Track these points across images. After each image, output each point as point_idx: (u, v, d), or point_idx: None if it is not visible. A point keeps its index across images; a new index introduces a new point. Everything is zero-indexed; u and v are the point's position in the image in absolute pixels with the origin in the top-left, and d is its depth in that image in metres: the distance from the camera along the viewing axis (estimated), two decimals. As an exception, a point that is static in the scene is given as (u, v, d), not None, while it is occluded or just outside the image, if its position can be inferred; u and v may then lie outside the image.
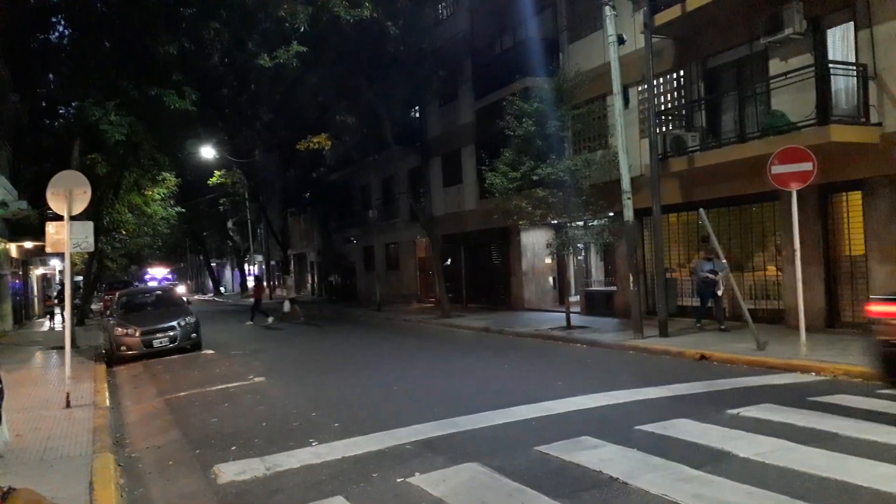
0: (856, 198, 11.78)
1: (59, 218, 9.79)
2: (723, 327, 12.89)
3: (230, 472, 6.00)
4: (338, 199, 35.62)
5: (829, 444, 5.65)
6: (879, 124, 11.11)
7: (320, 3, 16.32)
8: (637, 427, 6.50)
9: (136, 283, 46.33)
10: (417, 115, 26.68)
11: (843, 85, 11.70)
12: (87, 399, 9.68)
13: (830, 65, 11.57)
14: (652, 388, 8.39)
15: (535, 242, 20.86)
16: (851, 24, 11.52)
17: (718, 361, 10.29)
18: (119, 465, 6.51)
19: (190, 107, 15.23)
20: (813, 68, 11.56)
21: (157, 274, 61.56)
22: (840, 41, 11.83)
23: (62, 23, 17.26)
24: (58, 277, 37.92)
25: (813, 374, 8.88)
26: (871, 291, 11.40)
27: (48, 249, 10.58)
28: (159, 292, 19.70)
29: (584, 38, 17.50)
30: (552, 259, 20.87)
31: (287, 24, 16.19)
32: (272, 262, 47.69)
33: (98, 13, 15.96)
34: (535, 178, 14.76)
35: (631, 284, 13.48)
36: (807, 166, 9.69)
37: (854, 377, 8.45)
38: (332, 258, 38.04)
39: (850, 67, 11.38)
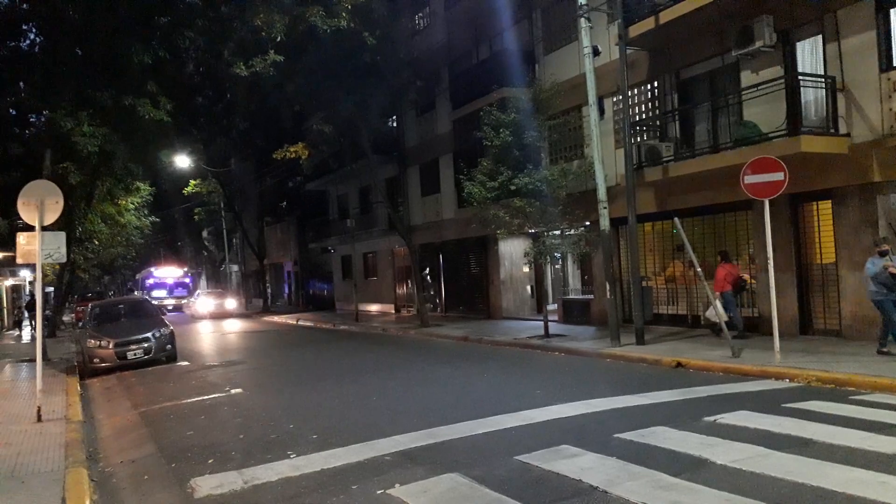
0: (826, 207, 12.01)
1: (30, 228, 9.63)
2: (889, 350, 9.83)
3: (207, 486, 5.92)
4: (315, 209, 35.44)
5: (803, 450, 5.74)
6: (848, 135, 11.36)
7: (297, 13, 16.30)
8: (616, 435, 6.53)
9: (135, 290, 41.83)
10: (395, 124, 26.70)
11: (812, 96, 11.96)
12: (59, 413, 9.49)
13: (800, 77, 11.84)
14: (630, 395, 8.45)
15: (512, 251, 20.94)
16: (820, 37, 11.80)
17: (694, 369, 10.40)
18: (92, 480, 6.38)
19: (165, 117, 15.10)
20: (783, 80, 11.84)
21: (167, 276, 42.79)
22: (809, 54, 12.10)
23: (33, 30, 17.03)
24: (28, 288, 37.25)
25: (787, 380, 9.01)
26: (842, 299, 11.66)
27: (19, 260, 10.40)
28: (134, 303, 19.41)
29: (560, 50, 17.69)
30: (530, 268, 20.96)
31: (263, 34, 16.12)
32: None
33: (70, 21, 15.75)
34: (512, 187, 14.86)
35: (607, 293, 13.59)
36: (778, 176, 9.87)
37: (827, 383, 8.60)
38: (309, 268, 37.80)
39: (819, 79, 11.63)
